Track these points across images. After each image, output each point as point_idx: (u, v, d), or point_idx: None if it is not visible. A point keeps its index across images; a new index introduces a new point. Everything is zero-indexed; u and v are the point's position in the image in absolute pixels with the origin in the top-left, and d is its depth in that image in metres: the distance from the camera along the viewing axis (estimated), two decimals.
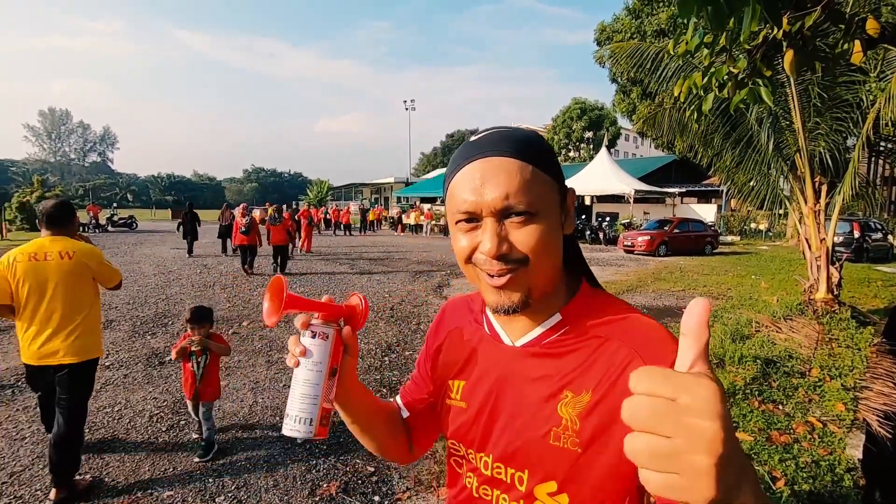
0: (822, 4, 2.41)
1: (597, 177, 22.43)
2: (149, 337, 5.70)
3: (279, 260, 10.94)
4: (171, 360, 3.66)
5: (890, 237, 17.12)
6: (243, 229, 10.29)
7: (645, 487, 0.36)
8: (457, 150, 0.71)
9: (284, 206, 13.34)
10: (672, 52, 2.74)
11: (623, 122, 41.88)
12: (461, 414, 0.77)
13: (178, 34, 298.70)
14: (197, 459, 3.03)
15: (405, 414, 0.87)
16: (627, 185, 21.16)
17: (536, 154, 0.65)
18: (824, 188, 6.87)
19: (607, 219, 21.98)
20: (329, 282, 10.00)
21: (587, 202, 29.20)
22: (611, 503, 0.65)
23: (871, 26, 2.54)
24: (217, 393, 3.27)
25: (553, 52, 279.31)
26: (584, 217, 25.76)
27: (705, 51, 2.75)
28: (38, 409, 3.72)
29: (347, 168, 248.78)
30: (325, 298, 0.72)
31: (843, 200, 6.60)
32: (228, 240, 13.52)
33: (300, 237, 14.56)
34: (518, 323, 0.72)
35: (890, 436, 3.75)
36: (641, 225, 19.22)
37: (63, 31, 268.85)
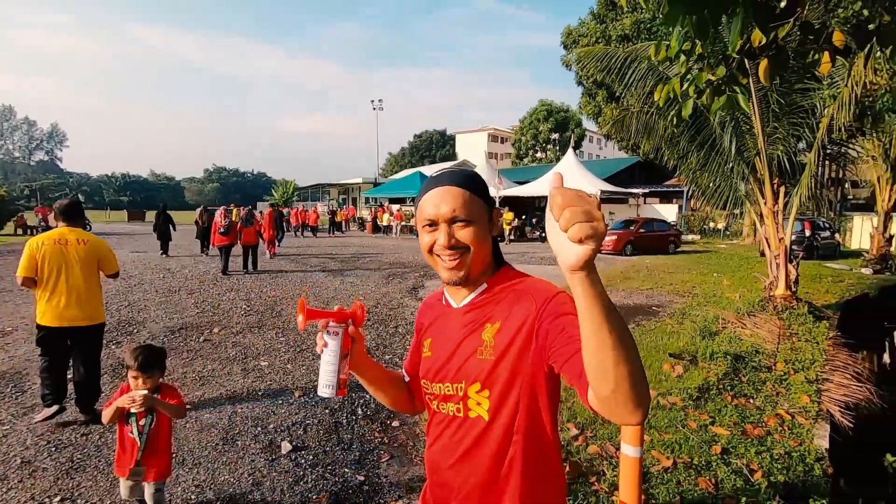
0: (795, 17, 2.53)
1: (564, 177, 22.81)
2: (113, 346, 5.42)
3: (250, 259, 11.33)
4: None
5: (837, 235, 18.17)
6: (222, 230, 10.58)
7: (577, 237, 0.68)
8: (426, 181, 1.09)
9: (250, 208, 13.18)
10: (653, 58, 2.80)
11: (588, 125, 42.79)
12: (428, 360, 1.14)
13: (134, 28, 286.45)
14: None
15: (406, 379, 1.26)
16: (594, 185, 21.63)
17: (473, 186, 1.05)
18: (782, 189, 7.22)
19: None
20: (301, 285, 9.78)
21: None
22: (512, 392, 1.00)
23: (838, 38, 2.67)
24: (169, 468, 2.38)
25: (521, 53, 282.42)
26: None
27: (682, 58, 2.84)
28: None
29: (313, 168, 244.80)
30: (336, 308, 1.07)
31: (800, 201, 6.97)
32: (206, 241, 13.74)
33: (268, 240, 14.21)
34: (461, 293, 1.10)
35: (851, 425, 3.97)
36: (608, 225, 19.65)
37: (7, 24, 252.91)
